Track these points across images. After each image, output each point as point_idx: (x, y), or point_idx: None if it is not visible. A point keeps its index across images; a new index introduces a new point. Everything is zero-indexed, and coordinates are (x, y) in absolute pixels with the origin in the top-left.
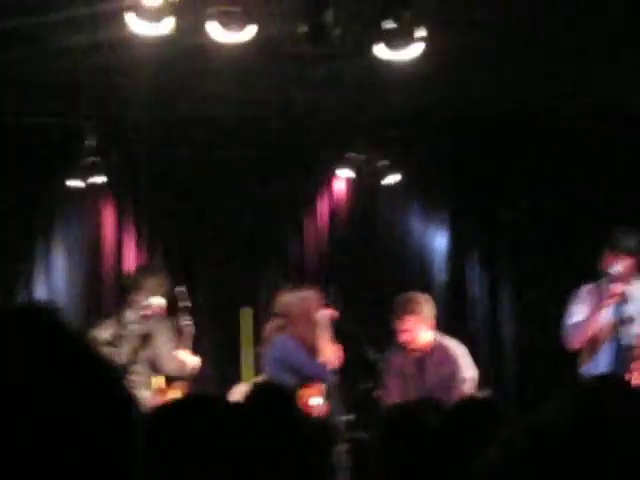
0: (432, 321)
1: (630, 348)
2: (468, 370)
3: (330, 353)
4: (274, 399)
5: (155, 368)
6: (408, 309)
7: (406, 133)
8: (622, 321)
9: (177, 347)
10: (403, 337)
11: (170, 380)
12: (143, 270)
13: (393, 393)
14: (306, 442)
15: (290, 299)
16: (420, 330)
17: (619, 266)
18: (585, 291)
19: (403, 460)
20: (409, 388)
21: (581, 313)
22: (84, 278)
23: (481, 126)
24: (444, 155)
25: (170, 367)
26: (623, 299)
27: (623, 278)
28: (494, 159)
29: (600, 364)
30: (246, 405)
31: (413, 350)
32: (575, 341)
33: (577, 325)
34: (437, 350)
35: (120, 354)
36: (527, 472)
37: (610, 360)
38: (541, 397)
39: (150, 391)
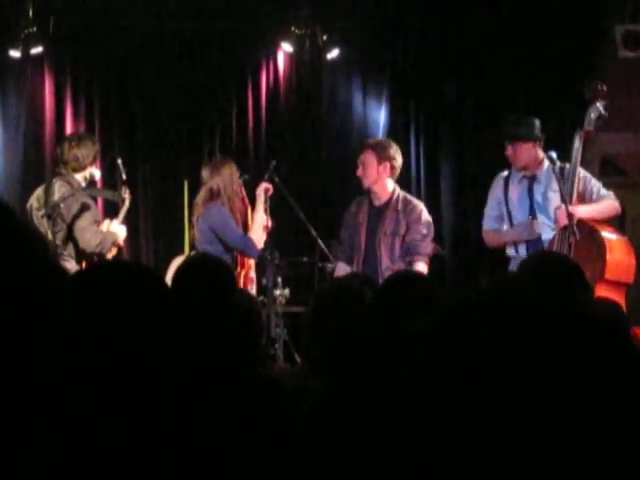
0: (396, 171)
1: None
2: (429, 226)
3: (260, 229)
4: (205, 270)
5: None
6: (371, 145)
7: (349, 6)
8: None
9: (110, 218)
10: (358, 171)
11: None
12: (68, 141)
13: (345, 245)
14: (239, 314)
15: (214, 171)
16: (384, 172)
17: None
18: (499, 179)
19: (335, 332)
20: (363, 237)
21: (493, 210)
22: (23, 150)
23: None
24: (387, 28)
25: (88, 241)
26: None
27: (527, 166)
28: (439, 34)
29: (520, 246)
30: (179, 275)
31: (369, 191)
32: (491, 246)
33: (493, 234)
34: (399, 200)
35: (47, 227)
36: (448, 341)
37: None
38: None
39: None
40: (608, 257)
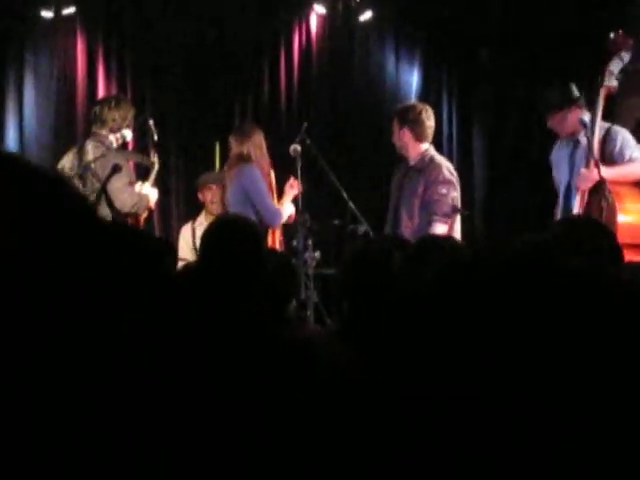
0: (420, 134)
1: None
2: (449, 186)
3: (286, 213)
4: (234, 231)
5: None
6: (395, 111)
7: None
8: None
9: (141, 180)
10: (392, 139)
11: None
12: (106, 102)
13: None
14: (269, 276)
15: (244, 137)
16: (404, 136)
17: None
18: (555, 145)
19: (365, 295)
20: (393, 199)
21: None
22: (55, 110)
23: None
24: None
25: (125, 201)
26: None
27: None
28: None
29: (558, 212)
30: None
31: (403, 157)
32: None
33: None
34: (423, 160)
35: (79, 186)
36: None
37: (563, 208)
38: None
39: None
40: (620, 219)
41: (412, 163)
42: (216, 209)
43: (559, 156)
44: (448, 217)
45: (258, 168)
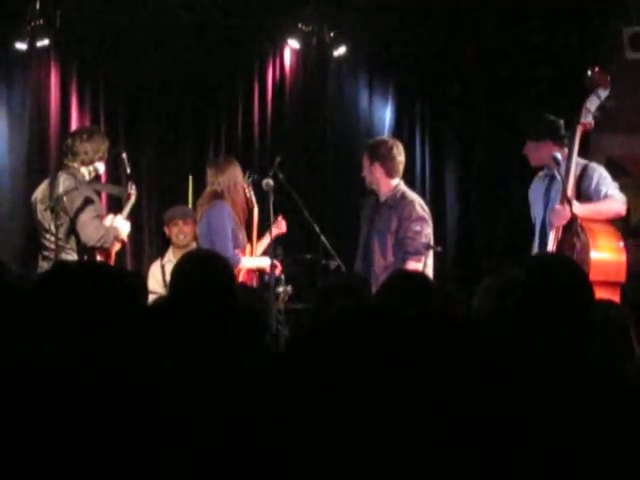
0: (390, 169)
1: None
2: (422, 222)
3: (256, 264)
4: (205, 266)
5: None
6: (365, 146)
7: (355, 4)
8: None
9: (115, 213)
10: (362, 174)
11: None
12: (78, 135)
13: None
14: (239, 309)
15: (218, 171)
16: (375, 172)
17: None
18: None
19: (335, 329)
20: (364, 234)
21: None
22: (28, 141)
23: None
24: (393, 26)
25: (90, 235)
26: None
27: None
28: (445, 30)
29: (535, 246)
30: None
31: (373, 192)
32: None
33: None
34: (396, 196)
35: (51, 220)
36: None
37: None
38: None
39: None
40: (592, 257)
41: (383, 199)
42: (182, 242)
43: (535, 191)
44: (421, 254)
45: (231, 204)
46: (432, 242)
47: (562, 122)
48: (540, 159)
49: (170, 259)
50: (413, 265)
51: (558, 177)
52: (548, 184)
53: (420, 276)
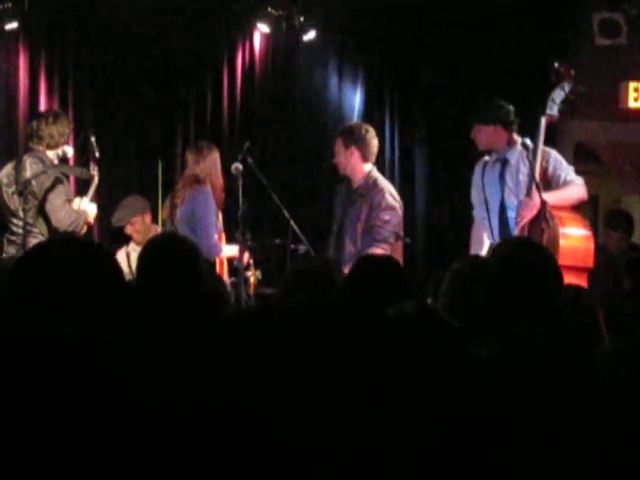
0: (366, 154)
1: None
2: (392, 212)
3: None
4: (171, 250)
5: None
6: (339, 132)
7: None
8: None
9: (80, 196)
10: (334, 160)
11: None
12: (43, 118)
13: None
14: (207, 297)
15: (200, 157)
16: (351, 156)
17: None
18: (479, 165)
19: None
20: (337, 221)
21: (475, 197)
22: None
23: None
24: (363, 10)
25: (62, 220)
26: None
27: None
28: (414, 15)
29: (492, 228)
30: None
31: (347, 177)
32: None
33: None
34: (368, 184)
35: (18, 203)
36: None
37: (499, 225)
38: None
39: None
40: (561, 243)
41: (356, 185)
42: (139, 238)
43: (488, 177)
44: (388, 243)
45: (211, 187)
46: (401, 232)
47: (512, 108)
48: (488, 143)
49: (134, 247)
50: (379, 252)
51: (512, 159)
52: (501, 169)
53: (387, 260)
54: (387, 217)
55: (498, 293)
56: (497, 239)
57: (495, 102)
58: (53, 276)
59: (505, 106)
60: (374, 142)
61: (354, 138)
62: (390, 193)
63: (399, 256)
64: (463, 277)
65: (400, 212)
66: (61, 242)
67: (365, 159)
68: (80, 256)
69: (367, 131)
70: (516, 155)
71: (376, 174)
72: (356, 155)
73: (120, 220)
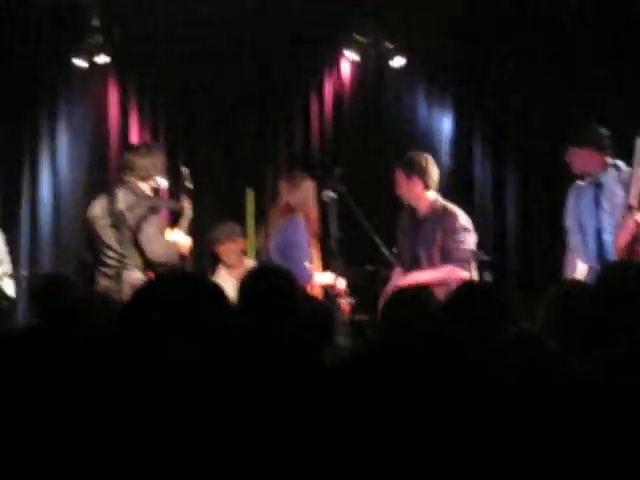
0: (428, 182)
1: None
2: (466, 233)
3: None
4: (273, 279)
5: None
6: (399, 163)
7: (412, 15)
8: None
9: (172, 228)
10: (397, 191)
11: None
12: (136, 150)
13: (399, 250)
14: (308, 322)
15: (293, 186)
16: (414, 187)
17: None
18: (572, 189)
19: (402, 341)
20: (407, 245)
21: (569, 222)
22: (88, 158)
23: (489, 11)
24: (451, 38)
25: (156, 251)
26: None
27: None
28: (503, 43)
29: (589, 252)
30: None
31: (411, 206)
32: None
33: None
34: (437, 211)
35: (112, 235)
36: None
37: (596, 249)
38: (541, 287)
39: (141, 272)
40: None
41: (422, 213)
42: (231, 260)
43: (583, 201)
44: (468, 263)
45: (305, 217)
46: (477, 251)
47: (606, 131)
48: (582, 166)
49: (220, 278)
50: (461, 274)
51: (606, 183)
52: (595, 192)
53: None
54: (462, 238)
55: (605, 317)
56: (594, 263)
57: (590, 126)
58: (167, 313)
59: (600, 130)
60: (435, 170)
61: (415, 168)
62: (462, 216)
63: (474, 272)
64: (562, 302)
65: (473, 232)
66: (173, 278)
67: (427, 188)
68: (194, 293)
69: (427, 160)
70: (611, 178)
71: (442, 201)
72: (418, 185)
73: (218, 237)
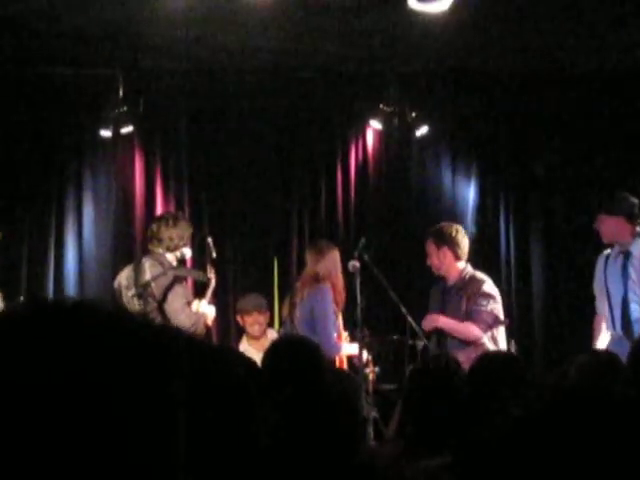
0: (458, 253)
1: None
2: (490, 298)
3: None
4: (297, 350)
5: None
6: (429, 233)
7: (436, 85)
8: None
9: (198, 297)
10: (428, 261)
11: None
12: (163, 220)
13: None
14: (332, 392)
15: (319, 255)
16: (445, 257)
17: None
18: (601, 257)
19: (427, 413)
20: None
21: (596, 290)
22: (114, 227)
23: (511, 80)
24: (474, 107)
25: (182, 321)
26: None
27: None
28: (525, 112)
29: (615, 320)
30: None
31: (441, 277)
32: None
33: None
34: (464, 278)
35: (138, 306)
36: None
37: (622, 317)
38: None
39: None
40: None
41: (452, 282)
42: (257, 332)
43: (610, 269)
44: (486, 324)
45: (331, 287)
46: (501, 317)
47: (636, 201)
48: (612, 235)
49: (245, 349)
50: (476, 331)
51: (636, 252)
52: (624, 261)
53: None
54: (484, 302)
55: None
56: (619, 331)
57: (620, 194)
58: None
59: (630, 199)
60: (465, 241)
61: (445, 239)
62: (488, 283)
63: (502, 340)
64: (591, 370)
65: (499, 299)
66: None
67: (458, 258)
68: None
69: (457, 231)
70: (638, 247)
71: (471, 270)
72: (449, 255)
73: (247, 308)
